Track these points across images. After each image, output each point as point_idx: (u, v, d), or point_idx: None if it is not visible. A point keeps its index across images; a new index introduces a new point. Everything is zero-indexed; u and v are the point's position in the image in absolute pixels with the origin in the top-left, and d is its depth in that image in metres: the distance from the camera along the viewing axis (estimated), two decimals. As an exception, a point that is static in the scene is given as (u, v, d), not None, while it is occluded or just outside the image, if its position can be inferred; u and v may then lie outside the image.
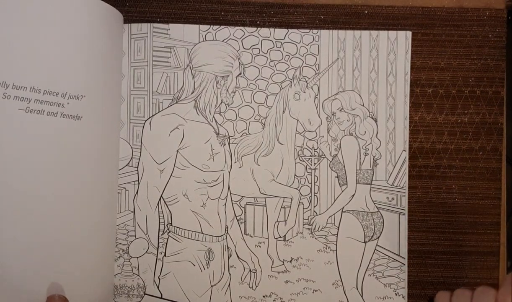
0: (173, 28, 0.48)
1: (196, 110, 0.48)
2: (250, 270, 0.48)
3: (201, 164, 0.47)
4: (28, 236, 0.39)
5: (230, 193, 0.48)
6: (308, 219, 0.48)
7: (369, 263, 0.48)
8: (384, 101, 0.48)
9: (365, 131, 0.48)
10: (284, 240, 0.48)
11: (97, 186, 0.44)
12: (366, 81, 0.48)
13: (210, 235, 0.48)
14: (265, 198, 0.49)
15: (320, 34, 0.48)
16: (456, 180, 0.49)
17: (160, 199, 0.48)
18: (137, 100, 0.48)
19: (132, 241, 0.47)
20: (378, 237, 0.48)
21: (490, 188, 0.49)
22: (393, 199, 0.48)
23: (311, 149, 0.48)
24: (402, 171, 0.48)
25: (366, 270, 0.48)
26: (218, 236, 0.48)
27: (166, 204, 0.48)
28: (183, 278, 0.47)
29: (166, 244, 0.48)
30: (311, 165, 0.48)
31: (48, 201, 0.40)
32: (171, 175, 0.47)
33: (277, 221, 0.48)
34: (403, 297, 0.48)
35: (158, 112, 0.48)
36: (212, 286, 0.48)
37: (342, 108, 0.48)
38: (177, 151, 0.47)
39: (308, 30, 0.48)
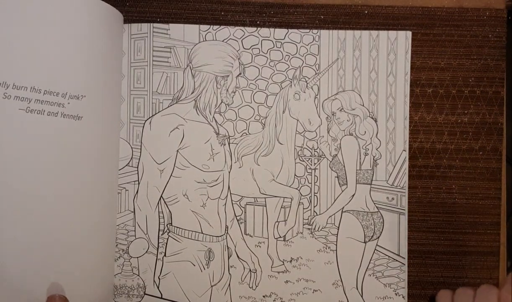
0: (173, 28, 0.48)
1: (196, 110, 0.48)
2: (250, 270, 0.48)
3: (201, 164, 0.47)
4: (28, 236, 0.39)
5: (230, 193, 0.48)
6: (308, 219, 0.48)
7: (369, 263, 0.48)
8: (384, 101, 0.48)
9: (365, 131, 0.48)
10: (284, 240, 0.48)
11: (97, 186, 0.44)
12: (366, 81, 0.48)
13: (210, 235, 0.48)
14: (265, 198, 0.49)
15: (320, 34, 0.48)
16: (456, 180, 0.48)
17: (160, 199, 0.48)
18: (137, 100, 0.48)
19: (132, 241, 0.47)
20: (378, 237, 0.48)
21: (490, 188, 0.48)
22: (393, 199, 0.48)
23: (311, 149, 0.48)
24: (402, 171, 0.48)
25: (366, 270, 0.48)
26: (218, 236, 0.48)
27: (166, 204, 0.48)
28: (183, 278, 0.47)
29: (166, 244, 0.48)
30: (311, 165, 0.48)
31: (48, 201, 0.40)
32: (171, 175, 0.47)
33: (277, 221, 0.48)
34: (403, 297, 0.48)
35: (158, 112, 0.48)
36: (212, 286, 0.48)
37: (342, 108, 0.48)
38: (177, 150, 0.47)
39: (308, 30, 0.48)
